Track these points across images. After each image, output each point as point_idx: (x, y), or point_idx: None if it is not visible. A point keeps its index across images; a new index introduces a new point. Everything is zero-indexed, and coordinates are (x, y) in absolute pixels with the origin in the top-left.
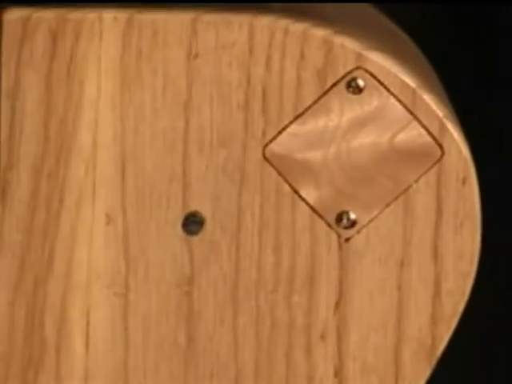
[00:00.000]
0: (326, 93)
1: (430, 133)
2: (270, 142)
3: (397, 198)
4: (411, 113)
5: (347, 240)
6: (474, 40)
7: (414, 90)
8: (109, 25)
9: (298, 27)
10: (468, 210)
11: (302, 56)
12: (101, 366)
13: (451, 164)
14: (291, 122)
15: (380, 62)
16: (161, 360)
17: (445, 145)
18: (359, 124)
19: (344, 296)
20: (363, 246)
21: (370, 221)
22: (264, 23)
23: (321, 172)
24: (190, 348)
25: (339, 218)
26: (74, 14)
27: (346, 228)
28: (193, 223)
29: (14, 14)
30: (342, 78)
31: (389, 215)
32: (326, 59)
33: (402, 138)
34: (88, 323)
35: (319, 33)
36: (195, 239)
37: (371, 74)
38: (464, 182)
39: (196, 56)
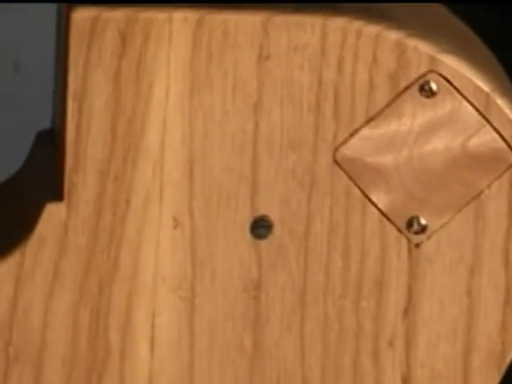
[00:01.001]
0: (398, 96)
1: (503, 137)
2: (341, 145)
3: (468, 203)
4: (484, 117)
5: (417, 245)
6: None
7: (487, 95)
8: (179, 25)
9: (371, 30)
10: None
11: (375, 59)
12: (165, 370)
13: None
14: (363, 126)
15: (453, 65)
16: (226, 365)
17: None
18: (431, 128)
19: (413, 302)
20: (433, 252)
21: (441, 226)
22: (337, 25)
23: (392, 176)
24: (256, 353)
25: (410, 223)
26: (144, 14)
27: (416, 233)
28: (261, 227)
29: (82, 14)
30: (415, 81)
31: (460, 221)
32: (398, 62)
33: (474, 142)
34: (153, 327)
35: (392, 35)
36: (263, 243)
37: (444, 78)
38: None
39: (267, 58)
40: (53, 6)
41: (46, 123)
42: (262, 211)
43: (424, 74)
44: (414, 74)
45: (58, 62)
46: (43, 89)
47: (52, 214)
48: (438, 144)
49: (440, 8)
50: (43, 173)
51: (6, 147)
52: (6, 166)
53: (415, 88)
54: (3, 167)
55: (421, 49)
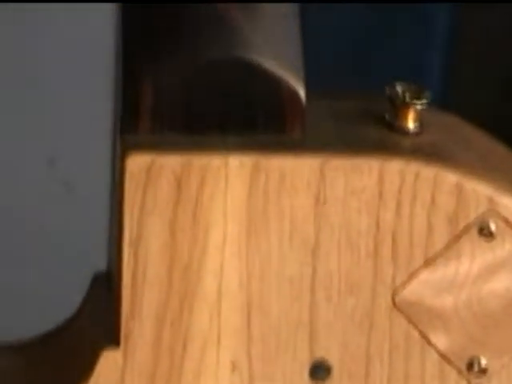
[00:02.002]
0: (457, 238)
1: None
2: (400, 288)
3: None
4: None
5: None
6: None
7: None
8: (235, 170)
9: (428, 172)
10: None
11: (433, 201)
12: None
13: None
14: (421, 268)
15: None
16: None
17: None
18: (490, 270)
19: None
20: None
21: (502, 368)
22: (394, 167)
23: (451, 318)
24: None
25: (470, 365)
26: (199, 159)
27: (476, 375)
28: (320, 370)
29: (137, 160)
30: (474, 222)
31: None
32: (457, 204)
33: None
34: None
35: (450, 177)
36: None
37: (503, 219)
38: None
39: (325, 202)
40: (105, 124)
41: (100, 251)
42: (320, 355)
43: (483, 215)
44: (472, 216)
45: (113, 196)
46: (97, 212)
47: (108, 361)
48: (498, 285)
49: (501, 148)
50: (99, 317)
51: (60, 286)
52: (60, 307)
53: (474, 230)
54: (58, 309)
55: (479, 190)
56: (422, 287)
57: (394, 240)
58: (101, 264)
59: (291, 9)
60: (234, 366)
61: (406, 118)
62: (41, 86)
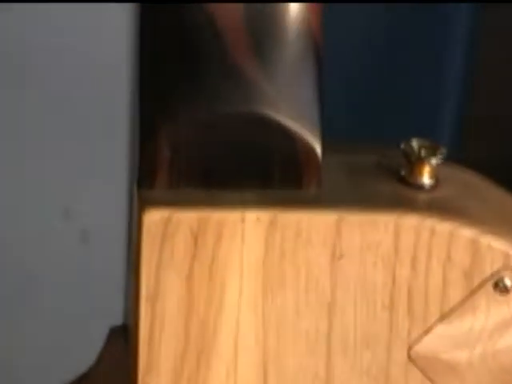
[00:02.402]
0: (472, 294)
1: None
2: (416, 342)
3: None
4: None
5: None
6: None
7: None
8: (251, 225)
9: (444, 228)
10: None
11: (449, 256)
12: None
13: None
14: (437, 323)
15: None
16: None
17: None
18: (506, 325)
19: None
20: None
21: None
22: (410, 223)
23: (466, 373)
24: None
25: None
26: (216, 215)
27: None
28: None
29: (154, 215)
30: (489, 278)
31: None
32: (472, 259)
33: None
34: None
35: (466, 233)
36: None
37: None
38: None
39: (340, 257)
40: (120, 174)
41: (116, 302)
42: None
43: (498, 271)
44: (488, 271)
45: (129, 248)
46: (113, 263)
47: None
48: None
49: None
50: (115, 371)
51: (77, 340)
52: (75, 361)
53: (489, 285)
54: (72, 362)
55: (494, 246)
56: (438, 341)
57: (409, 294)
58: (117, 316)
59: (311, 57)
60: None
61: (421, 174)
62: (56, 136)
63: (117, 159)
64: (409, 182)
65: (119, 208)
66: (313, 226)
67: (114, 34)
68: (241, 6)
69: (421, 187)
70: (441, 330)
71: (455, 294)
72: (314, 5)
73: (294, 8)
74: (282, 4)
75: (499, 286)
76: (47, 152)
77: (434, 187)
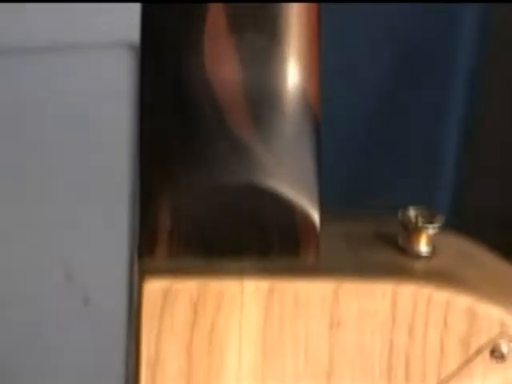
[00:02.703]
0: (469, 361)
1: None
2: None
3: None
4: None
5: None
6: None
7: None
8: (250, 294)
9: (441, 296)
10: None
11: (446, 324)
12: None
13: None
14: None
15: None
16: None
17: None
18: None
19: None
20: None
21: None
22: (407, 291)
23: None
24: None
25: None
26: (215, 284)
27: None
28: None
29: (154, 285)
30: (486, 345)
31: None
32: (469, 327)
33: None
34: None
35: (463, 301)
36: None
37: None
38: None
39: (338, 324)
40: (122, 238)
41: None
42: None
43: (495, 339)
44: (484, 338)
45: (130, 312)
46: (114, 327)
47: None
48: None
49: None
50: None
51: None
52: None
53: (486, 352)
54: None
55: (491, 313)
56: None
57: (407, 362)
58: (118, 380)
59: (308, 127)
60: None
61: (418, 242)
62: (57, 200)
63: (118, 224)
64: (406, 250)
65: (120, 272)
66: (311, 294)
67: (115, 98)
68: (240, 78)
69: (418, 255)
70: None
71: (452, 361)
72: (311, 77)
73: (292, 80)
74: (280, 77)
75: (496, 354)
76: (49, 215)
77: (431, 255)
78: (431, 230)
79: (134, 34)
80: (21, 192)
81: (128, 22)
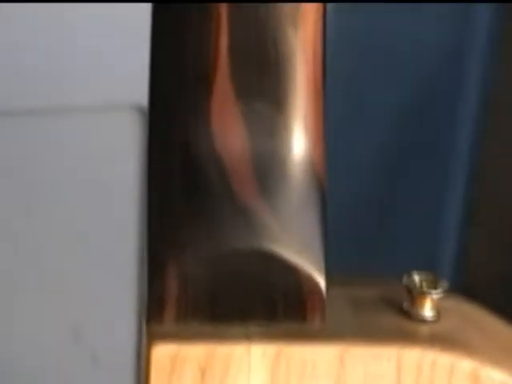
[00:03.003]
0: None
1: None
2: None
3: None
4: None
5: None
6: None
7: None
8: (257, 359)
9: (445, 360)
10: None
11: None
12: None
13: None
14: None
15: None
16: None
17: None
18: None
19: None
20: None
21: None
22: (412, 356)
23: None
24: None
25: None
26: (222, 349)
27: None
28: None
29: (162, 350)
30: None
31: None
32: None
33: None
34: None
35: (467, 365)
36: None
37: None
38: None
39: None
40: (129, 296)
41: None
42: None
43: None
44: None
45: (138, 373)
46: None
47: None
48: None
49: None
50: None
51: None
52: None
53: None
54: None
55: (494, 377)
56: None
57: None
58: None
59: (314, 194)
60: None
61: (422, 307)
62: (66, 262)
63: (127, 286)
64: (410, 314)
65: (129, 331)
66: (317, 358)
67: (124, 162)
68: (247, 145)
69: (422, 320)
70: None
71: None
72: (317, 144)
73: (298, 148)
74: (286, 145)
75: None
76: (57, 276)
77: (435, 319)
78: (435, 295)
79: (142, 97)
80: (30, 254)
81: (137, 85)
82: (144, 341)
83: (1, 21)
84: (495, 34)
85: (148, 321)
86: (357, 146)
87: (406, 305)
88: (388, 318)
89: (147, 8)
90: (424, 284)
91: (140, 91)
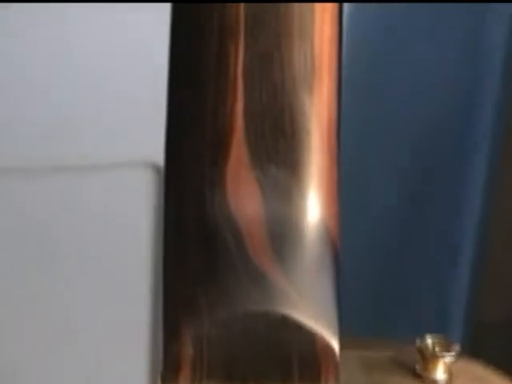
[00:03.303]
0: None
1: None
2: None
3: None
4: None
5: None
6: None
7: None
8: None
9: None
10: None
11: None
12: None
13: None
14: None
15: None
16: None
17: None
18: None
19: None
20: None
21: None
22: None
23: None
24: None
25: None
26: None
27: None
28: None
29: None
30: None
31: None
32: None
33: None
34: None
35: None
36: None
37: None
38: None
39: None
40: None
41: None
42: None
43: None
44: None
45: None
46: None
47: None
48: None
49: None
50: None
51: None
52: None
53: None
54: None
55: None
56: None
57: None
58: None
59: (328, 258)
60: None
61: (435, 370)
62: (78, 320)
63: (139, 341)
64: (423, 377)
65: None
66: None
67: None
68: (262, 211)
69: (435, 382)
70: None
71: None
72: (331, 209)
73: (312, 214)
74: (301, 211)
75: None
76: (68, 335)
77: (448, 382)
78: (448, 358)
79: (158, 156)
80: (45, 310)
81: (152, 144)
82: None
83: (20, 78)
84: None
85: (163, 381)
86: (368, 209)
87: (418, 367)
88: (401, 381)
89: (164, 66)
90: (437, 347)
91: (154, 149)
